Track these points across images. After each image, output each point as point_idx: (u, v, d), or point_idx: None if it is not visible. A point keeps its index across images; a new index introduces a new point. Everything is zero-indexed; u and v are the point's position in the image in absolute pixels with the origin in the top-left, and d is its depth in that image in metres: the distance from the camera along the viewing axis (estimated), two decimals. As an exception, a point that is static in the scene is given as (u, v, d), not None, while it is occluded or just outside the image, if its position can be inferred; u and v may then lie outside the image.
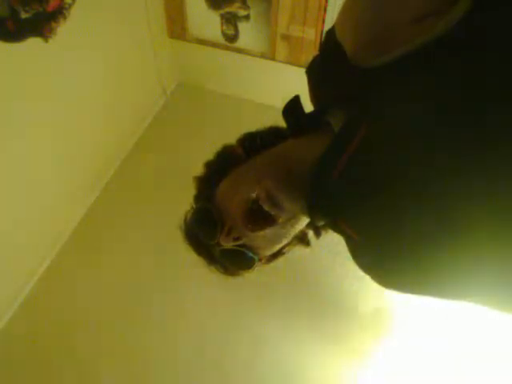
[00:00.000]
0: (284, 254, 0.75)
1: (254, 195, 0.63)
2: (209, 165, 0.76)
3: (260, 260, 0.71)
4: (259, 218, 0.63)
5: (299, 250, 0.76)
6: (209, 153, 0.76)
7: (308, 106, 0.69)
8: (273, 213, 0.63)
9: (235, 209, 0.65)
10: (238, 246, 0.68)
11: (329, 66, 0.64)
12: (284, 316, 1.92)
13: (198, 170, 0.77)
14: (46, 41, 1.63)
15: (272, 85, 2.38)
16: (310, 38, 2.12)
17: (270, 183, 0.62)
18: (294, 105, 0.69)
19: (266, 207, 0.62)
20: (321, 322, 1.91)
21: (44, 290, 2.00)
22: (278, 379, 1.83)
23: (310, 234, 0.76)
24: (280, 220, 0.64)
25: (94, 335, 1.91)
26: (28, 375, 1.82)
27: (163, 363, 1.85)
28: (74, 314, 1.95)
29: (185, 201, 0.77)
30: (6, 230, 1.78)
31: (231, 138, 0.76)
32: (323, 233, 0.75)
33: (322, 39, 0.71)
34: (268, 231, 0.65)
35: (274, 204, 0.62)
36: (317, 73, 0.67)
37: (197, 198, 0.75)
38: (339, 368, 1.82)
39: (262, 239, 0.68)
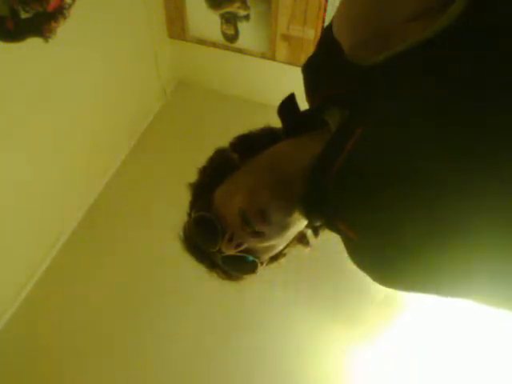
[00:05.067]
0: (285, 255, 0.75)
1: (245, 209, 0.63)
2: (203, 171, 0.74)
3: (262, 263, 0.71)
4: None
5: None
6: (209, 153, 0.76)
7: (305, 105, 0.69)
8: (260, 230, 0.63)
9: (234, 217, 0.65)
10: (240, 251, 0.68)
11: (326, 64, 0.63)
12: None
13: (199, 166, 0.76)
14: (46, 41, 1.63)
15: (272, 85, 2.38)
16: (310, 38, 2.12)
17: (263, 197, 0.62)
18: (289, 103, 0.68)
19: (255, 224, 0.63)
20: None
21: (44, 290, 2.00)
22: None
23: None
24: (268, 233, 0.64)
25: (94, 335, 1.91)
26: (28, 375, 1.82)
27: (163, 363, 1.85)
28: (73, 314, 1.95)
29: (185, 201, 0.77)
30: (6, 230, 1.78)
31: (231, 137, 0.74)
32: (321, 233, 0.75)
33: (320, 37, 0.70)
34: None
35: (264, 221, 0.62)
36: (313, 70, 0.67)
37: (193, 206, 0.74)
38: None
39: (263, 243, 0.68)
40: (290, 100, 0.68)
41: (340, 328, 1.91)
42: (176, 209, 0.80)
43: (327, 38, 0.60)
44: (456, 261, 0.51)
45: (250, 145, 0.71)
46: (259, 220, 0.62)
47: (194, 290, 1.94)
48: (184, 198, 0.76)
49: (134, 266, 2.05)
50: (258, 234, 0.64)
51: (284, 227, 0.66)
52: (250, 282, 0.75)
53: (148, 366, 1.85)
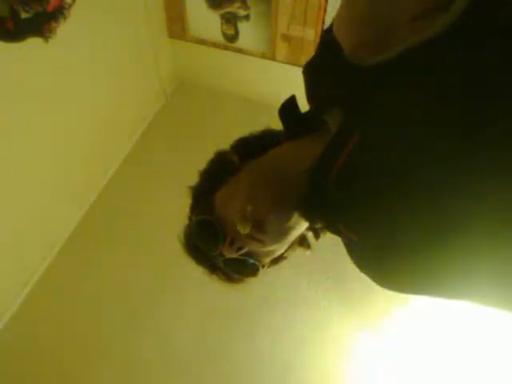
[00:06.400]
0: (286, 257, 0.75)
1: (244, 217, 0.63)
2: (204, 173, 0.74)
3: (263, 266, 0.71)
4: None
5: None
6: (209, 153, 0.75)
7: (305, 106, 0.69)
8: (258, 238, 0.64)
9: (235, 221, 0.65)
10: (241, 254, 0.68)
11: (326, 64, 0.63)
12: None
13: (199, 169, 0.76)
14: (46, 41, 1.63)
15: (272, 85, 2.38)
16: (310, 39, 2.12)
17: (264, 201, 0.62)
18: (290, 105, 0.68)
19: (253, 233, 0.63)
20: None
21: (44, 290, 2.00)
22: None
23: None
24: (268, 240, 0.65)
25: (93, 335, 1.91)
26: (28, 375, 1.82)
27: (162, 364, 1.85)
28: (73, 314, 1.95)
29: (185, 201, 0.76)
30: (6, 230, 1.78)
31: (231, 138, 0.74)
32: (322, 235, 0.75)
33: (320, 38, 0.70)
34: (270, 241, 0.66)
35: (261, 231, 0.63)
36: (314, 71, 0.67)
37: (193, 209, 0.74)
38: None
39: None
40: (291, 102, 0.67)
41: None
42: (176, 209, 0.80)
43: (328, 38, 0.59)
44: (456, 261, 0.51)
45: (250, 147, 0.70)
46: (256, 231, 0.63)
47: (193, 290, 1.94)
48: (184, 198, 0.76)
49: (134, 266, 2.05)
50: (258, 239, 0.64)
51: (284, 233, 0.66)
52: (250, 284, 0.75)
53: (148, 365, 1.85)
